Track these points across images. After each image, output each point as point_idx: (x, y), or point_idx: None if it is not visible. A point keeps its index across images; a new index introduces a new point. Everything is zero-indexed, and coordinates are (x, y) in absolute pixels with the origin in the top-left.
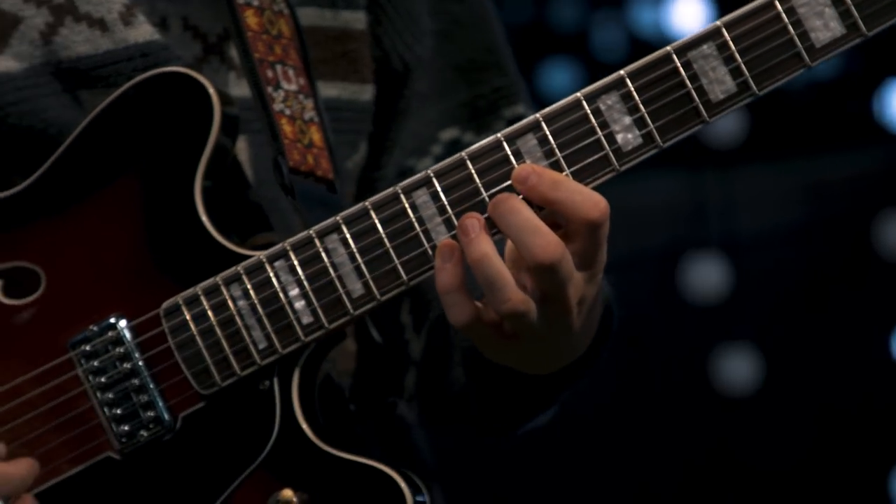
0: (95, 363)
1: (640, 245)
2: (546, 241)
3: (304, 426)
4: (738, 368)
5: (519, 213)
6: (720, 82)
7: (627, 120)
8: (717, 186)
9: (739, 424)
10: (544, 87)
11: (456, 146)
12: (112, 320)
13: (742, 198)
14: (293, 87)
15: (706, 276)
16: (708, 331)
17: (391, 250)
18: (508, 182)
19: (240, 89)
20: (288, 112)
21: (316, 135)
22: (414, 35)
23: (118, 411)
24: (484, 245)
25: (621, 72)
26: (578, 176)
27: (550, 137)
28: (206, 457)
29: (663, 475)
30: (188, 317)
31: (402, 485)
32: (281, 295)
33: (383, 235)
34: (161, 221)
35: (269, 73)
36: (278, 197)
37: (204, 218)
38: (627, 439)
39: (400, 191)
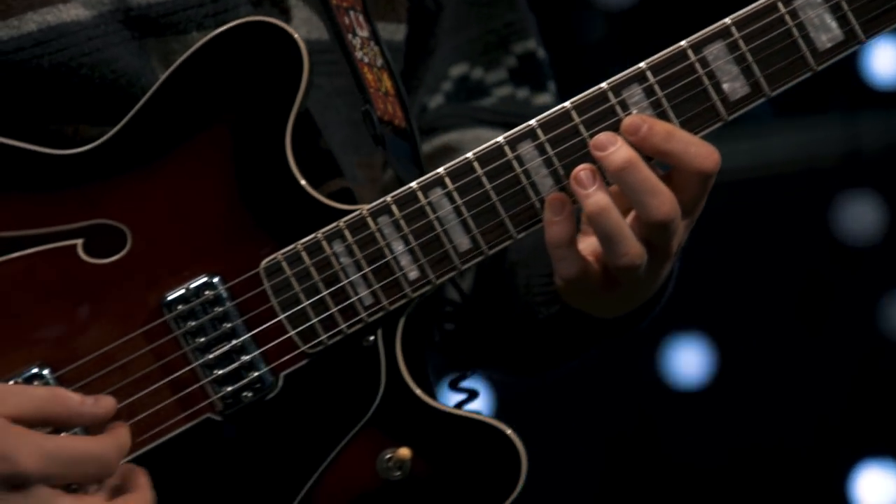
0: (192, 324)
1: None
2: (663, 201)
3: (410, 381)
4: None
5: (638, 171)
6: (826, 30)
7: (734, 69)
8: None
9: None
10: None
11: (464, 82)
12: (208, 279)
13: None
14: (364, 33)
15: (862, 219)
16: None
17: (498, 204)
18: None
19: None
20: (366, 60)
21: (388, 82)
22: None
23: (219, 372)
24: (602, 197)
25: (727, 20)
26: (686, 126)
27: (657, 88)
28: (310, 416)
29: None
30: (290, 275)
31: (517, 441)
32: (386, 251)
33: (489, 189)
34: (251, 176)
35: (346, 20)
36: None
37: (296, 171)
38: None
39: (504, 143)
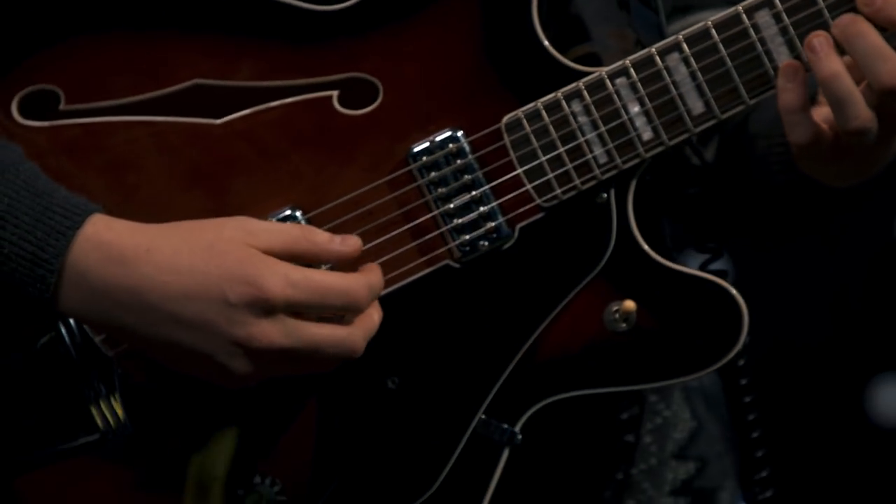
0: (435, 174)
1: None
2: (893, 67)
3: (640, 238)
4: None
5: (867, 36)
6: None
7: None
8: None
9: None
10: None
11: None
12: (452, 132)
13: None
14: None
15: None
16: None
17: (733, 70)
18: (851, 4)
19: None
20: None
21: None
22: None
23: (459, 221)
24: (834, 63)
25: None
26: None
27: None
28: (543, 266)
29: None
30: (529, 131)
31: (740, 299)
32: (622, 111)
33: (725, 55)
34: (498, 35)
35: None
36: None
37: (541, 32)
38: None
39: (742, 10)
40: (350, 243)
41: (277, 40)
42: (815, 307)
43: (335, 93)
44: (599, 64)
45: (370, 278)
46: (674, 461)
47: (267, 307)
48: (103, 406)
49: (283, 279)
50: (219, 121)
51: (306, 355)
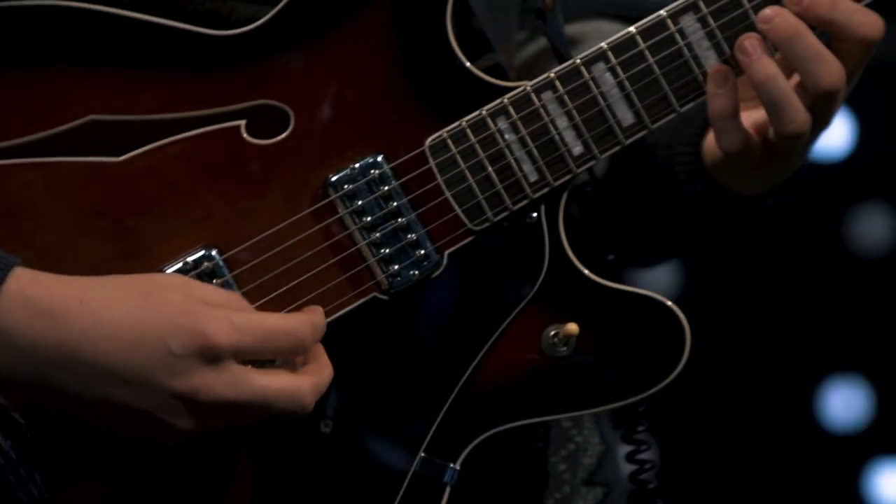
0: (359, 203)
1: None
2: (831, 69)
3: (573, 257)
4: None
5: (805, 38)
6: None
7: None
8: None
9: None
10: None
11: None
12: (372, 158)
13: None
14: None
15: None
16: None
17: (661, 78)
18: (778, 5)
19: None
20: None
21: None
22: None
23: (386, 251)
24: (770, 65)
25: None
26: None
27: None
28: (476, 293)
29: None
30: (456, 152)
31: (680, 315)
32: (550, 127)
33: (653, 63)
34: (412, 53)
35: None
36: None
37: (457, 48)
38: None
39: (667, 16)
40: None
41: (177, 69)
42: (762, 316)
43: (242, 122)
44: (506, 75)
45: (313, 318)
46: (584, 488)
47: (212, 356)
48: (19, 475)
49: (228, 324)
50: (119, 158)
51: (253, 408)
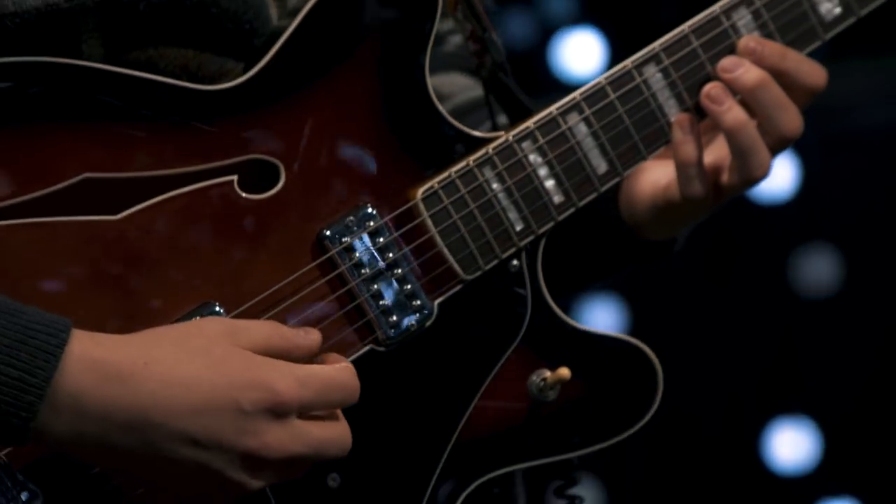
0: (357, 256)
1: None
2: (794, 116)
3: (552, 303)
4: None
5: (770, 88)
6: None
7: None
8: None
9: None
10: None
11: None
12: (365, 210)
13: None
14: None
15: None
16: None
17: (631, 127)
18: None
19: None
20: None
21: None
22: None
23: (385, 303)
24: (741, 113)
25: None
26: (791, 47)
27: (763, 10)
28: (464, 341)
29: None
30: (448, 203)
31: (653, 357)
32: (534, 177)
33: (623, 113)
34: (396, 103)
35: None
36: None
37: (435, 99)
38: None
39: (632, 67)
40: (313, 336)
41: (168, 125)
42: (707, 358)
43: (234, 177)
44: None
45: (350, 367)
46: None
47: (281, 411)
48: None
49: (294, 379)
50: (116, 216)
51: (311, 459)
